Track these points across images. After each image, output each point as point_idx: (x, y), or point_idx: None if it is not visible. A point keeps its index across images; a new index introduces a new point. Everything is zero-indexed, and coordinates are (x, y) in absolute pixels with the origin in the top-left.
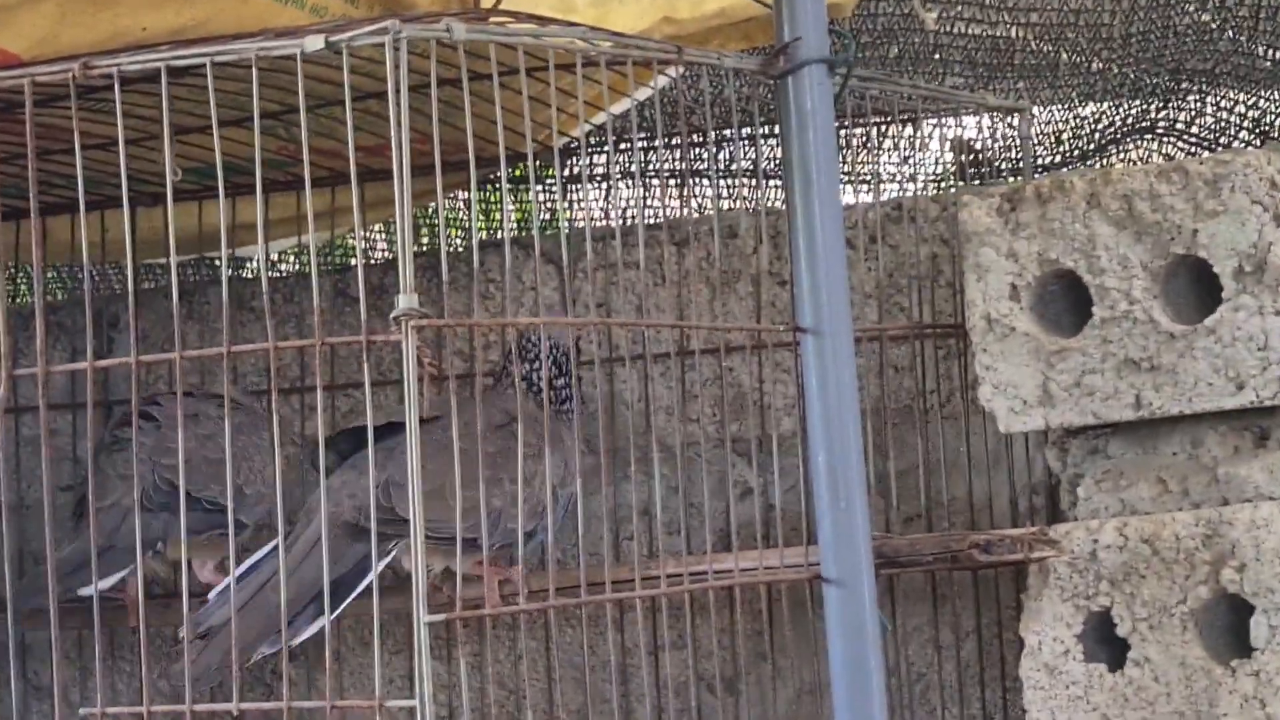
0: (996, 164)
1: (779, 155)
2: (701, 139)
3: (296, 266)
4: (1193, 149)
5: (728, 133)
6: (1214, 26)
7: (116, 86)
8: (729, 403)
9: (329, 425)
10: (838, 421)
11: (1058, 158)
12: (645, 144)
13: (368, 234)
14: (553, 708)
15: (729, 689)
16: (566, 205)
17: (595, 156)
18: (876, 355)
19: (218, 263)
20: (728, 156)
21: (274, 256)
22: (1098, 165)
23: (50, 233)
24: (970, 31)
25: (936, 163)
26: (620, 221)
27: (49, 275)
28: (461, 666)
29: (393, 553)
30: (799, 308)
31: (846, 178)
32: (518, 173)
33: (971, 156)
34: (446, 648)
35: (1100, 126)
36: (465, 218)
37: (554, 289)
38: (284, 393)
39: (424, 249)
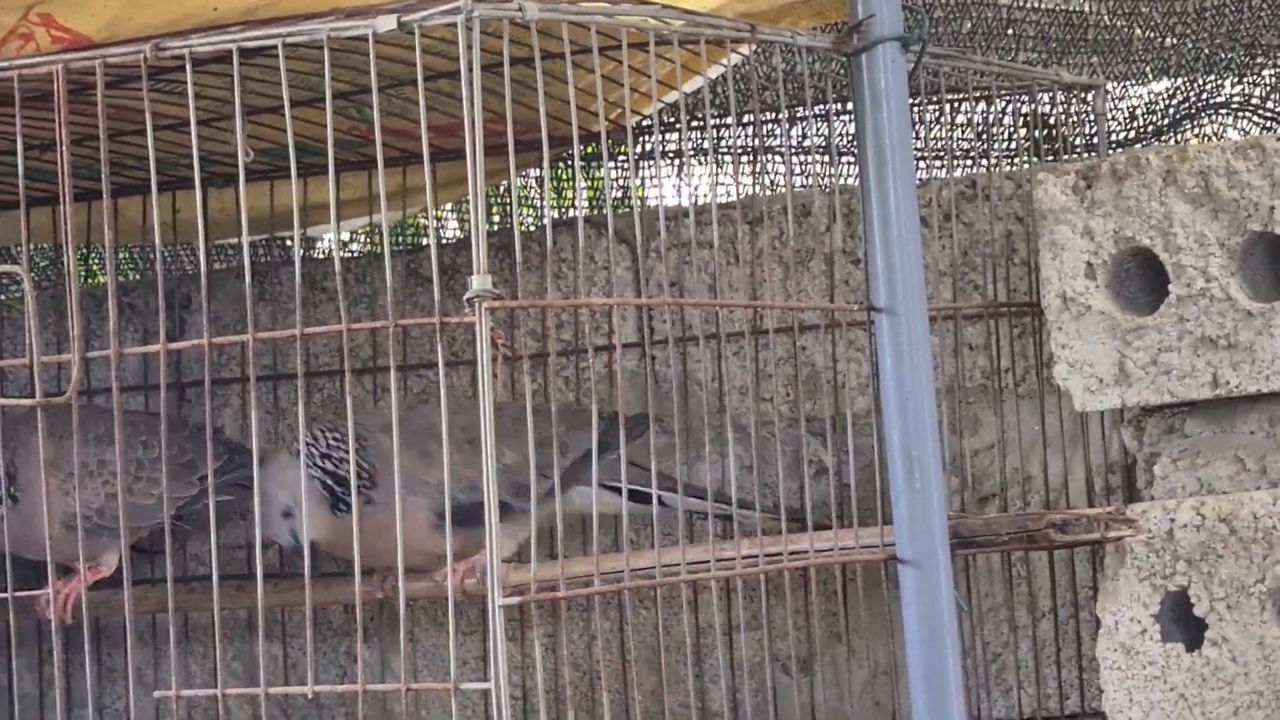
0: (1071, 140)
1: (852, 132)
2: (774, 116)
3: (368, 247)
4: (1268, 124)
5: (801, 110)
6: None
7: (188, 68)
8: (803, 382)
9: (400, 407)
10: (913, 400)
11: (1132, 133)
12: (718, 122)
13: (439, 214)
14: (627, 689)
15: (804, 670)
16: (639, 184)
17: (668, 135)
18: (951, 334)
19: (289, 243)
20: (801, 134)
21: (345, 237)
22: (1172, 141)
23: (121, 213)
24: (1043, 6)
25: (1010, 139)
26: (693, 200)
27: (120, 257)
28: (536, 648)
29: None
30: (873, 286)
31: (920, 155)
32: (590, 151)
33: (1046, 133)
34: (520, 629)
35: (1175, 102)
36: (536, 197)
37: (626, 268)
38: (356, 373)
39: (495, 229)
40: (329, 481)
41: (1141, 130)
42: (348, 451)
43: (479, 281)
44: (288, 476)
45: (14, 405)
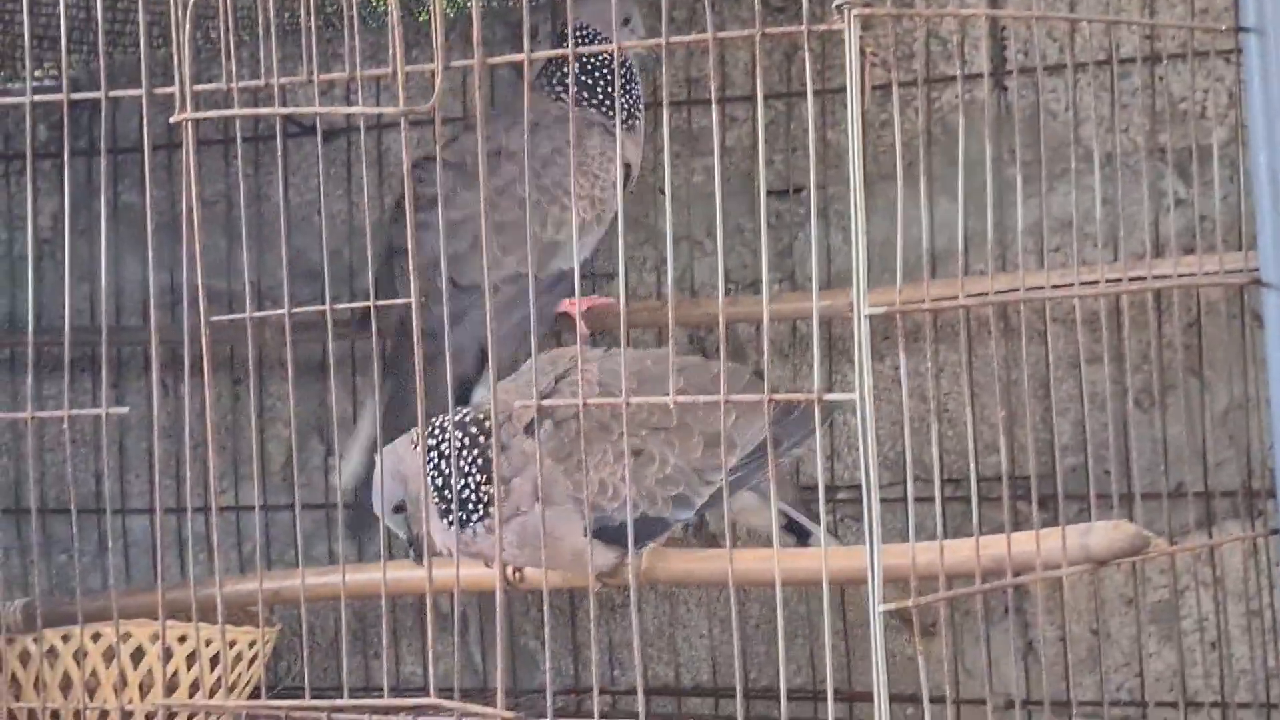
0: None
1: None
2: None
3: None
4: None
5: None
6: None
7: None
8: (1160, 112)
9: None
10: None
11: None
12: None
13: None
14: (974, 419)
15: (1156, 403)
16: None
17: None
18: None
19: None
20: None
21: None
22: None
23: None
24: None
25: None
26: None
27: None
28: (903, 363)
29: None
30: (1241, 6)
31: None
32: None
33: None
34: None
35: None
36: None
37: None
38: (704, 104)
39: None
40: (444, 492)
41: None
42: (470, 463)
43: None
44: (406, 465)
45: (375, 112)
